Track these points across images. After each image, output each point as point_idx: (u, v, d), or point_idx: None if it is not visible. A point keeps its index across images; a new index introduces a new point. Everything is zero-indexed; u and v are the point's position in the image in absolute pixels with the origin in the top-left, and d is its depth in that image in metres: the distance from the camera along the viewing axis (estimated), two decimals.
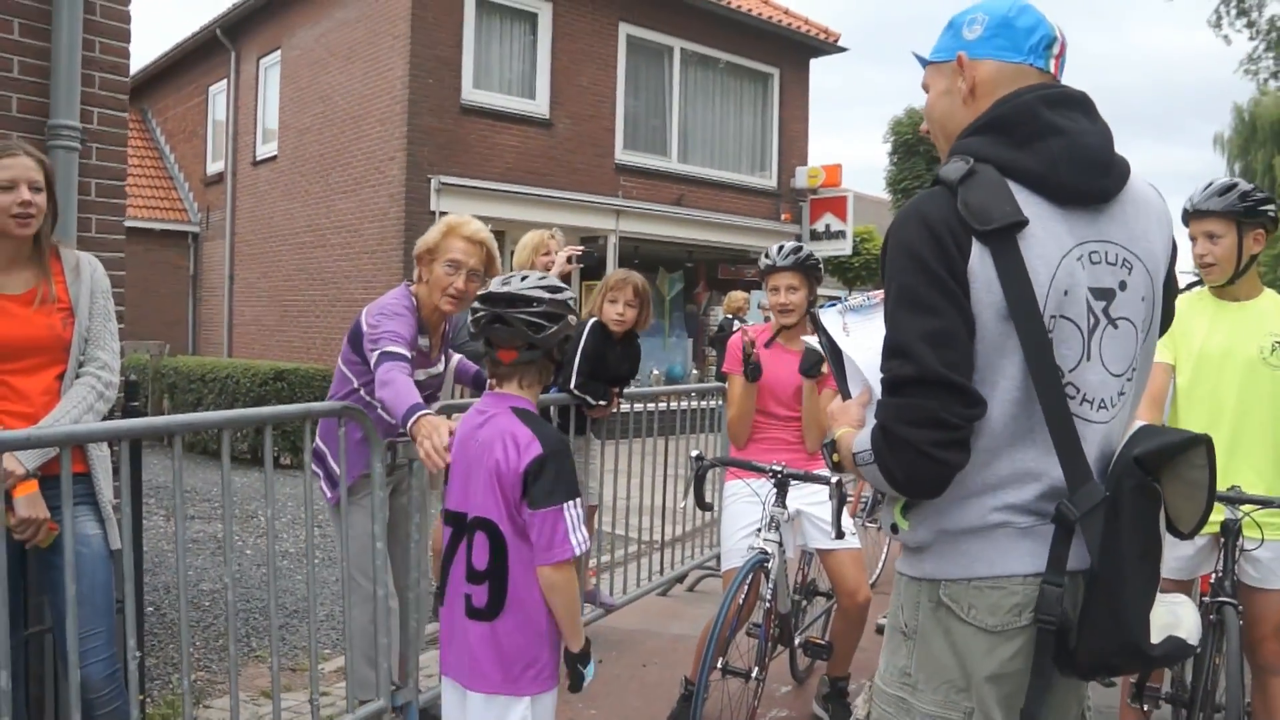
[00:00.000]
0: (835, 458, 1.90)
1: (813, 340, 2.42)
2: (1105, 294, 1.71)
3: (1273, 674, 3.22)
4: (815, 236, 16.82)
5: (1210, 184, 3.26)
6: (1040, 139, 1.70)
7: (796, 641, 4.04)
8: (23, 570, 2.86)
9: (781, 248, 3.89)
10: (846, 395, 1.95)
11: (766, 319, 4.20)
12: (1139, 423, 1.78)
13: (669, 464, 5.65)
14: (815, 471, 3.57)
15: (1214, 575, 3.14)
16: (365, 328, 3.36)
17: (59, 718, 3.16)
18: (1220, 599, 3.07)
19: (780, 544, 3.54)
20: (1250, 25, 22.31)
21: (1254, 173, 29.28)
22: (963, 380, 1.61)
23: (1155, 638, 1.65)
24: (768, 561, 3.48)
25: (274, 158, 15.90)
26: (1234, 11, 22.19)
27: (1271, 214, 3.19)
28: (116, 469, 2.99)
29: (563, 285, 2.50)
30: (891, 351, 1.67)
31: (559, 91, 14.01)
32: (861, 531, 5.07)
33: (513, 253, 5.12)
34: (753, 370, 3.77)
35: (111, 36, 3.76)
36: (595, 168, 14.45)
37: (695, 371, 17.71)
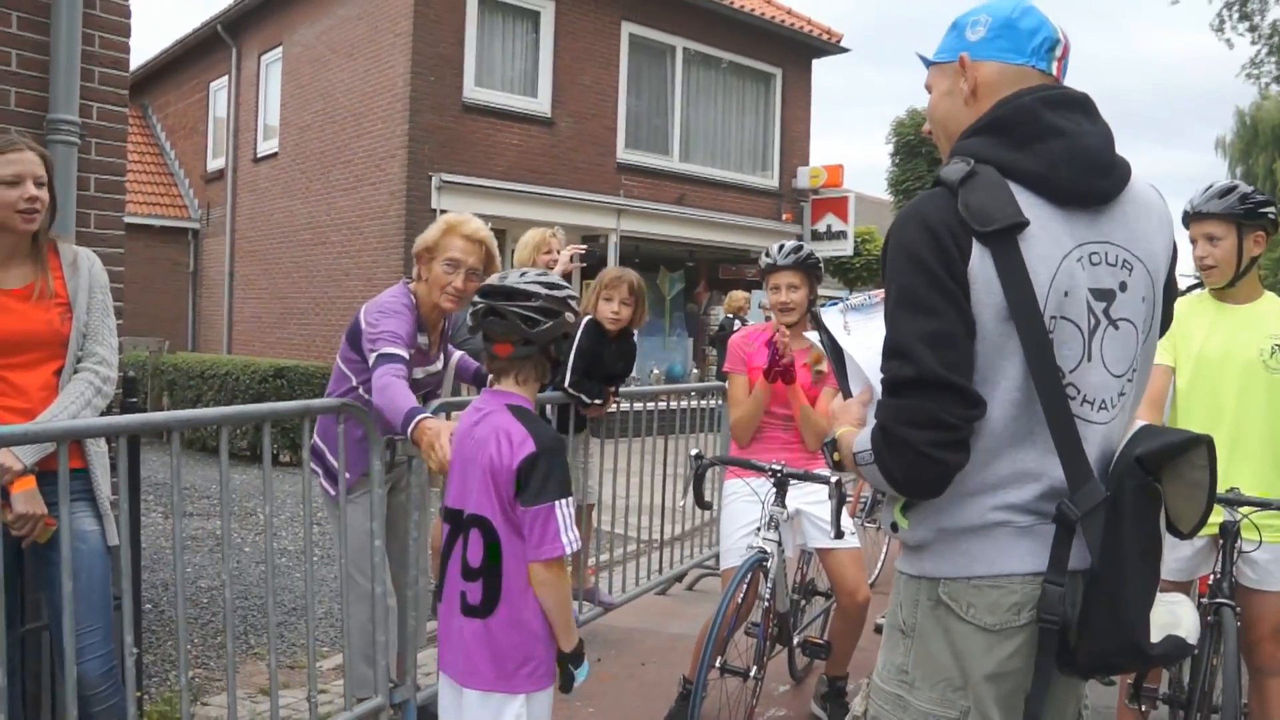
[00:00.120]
0: (836, 457, 1.90)
1: (813, 336, 2.42)
2: (1105, 295, 1.71)
3: (1269, 675, 3.22)
4: (816, 237, 16.82)
5: (1210, 186, 3.26)
6: (1041, 140, 1.70)
7: (795, 641, 4.04)
8: (19, 566, 2.85)
9: (782, 247, 3.89)
10: (848, 394, 1.95)
11: (767, 318, 4.20)
12: (1140, 423, 1.78)
13: (668, 463, 5.65)
14: (815, 471, 3.57)
15: (1212, 577, 3.14)
16: (364, 326, 3.36)
17: (56, 715, 3.15)
18: (1218, 600, 3.07)
19: (779, 543, 3.54)
20: (1252, 29, 22.32)
21: (1255, 176, 29.30)
22: (962, 381, 1.61)
23: (1155, 637, 1.66)
24: (767, 561, 3.47)
25: (275, 155, 15.90)
26: (1236, 15, 22.20)
27: (1272, 216, 3.19)
28: (114, 465, 2.98)
29: (563, 283, 2.49)
30: (891, 352, 1.67)
31: (561, 90, 14.01)
32: (861, 531, 5.07)
33: (513, 251, 5.11)
34: (776, 373, 3.72)
35: (111, 31, 3.75)
36: (597, 167, 14.45)
37: (695, 371, 17.72)
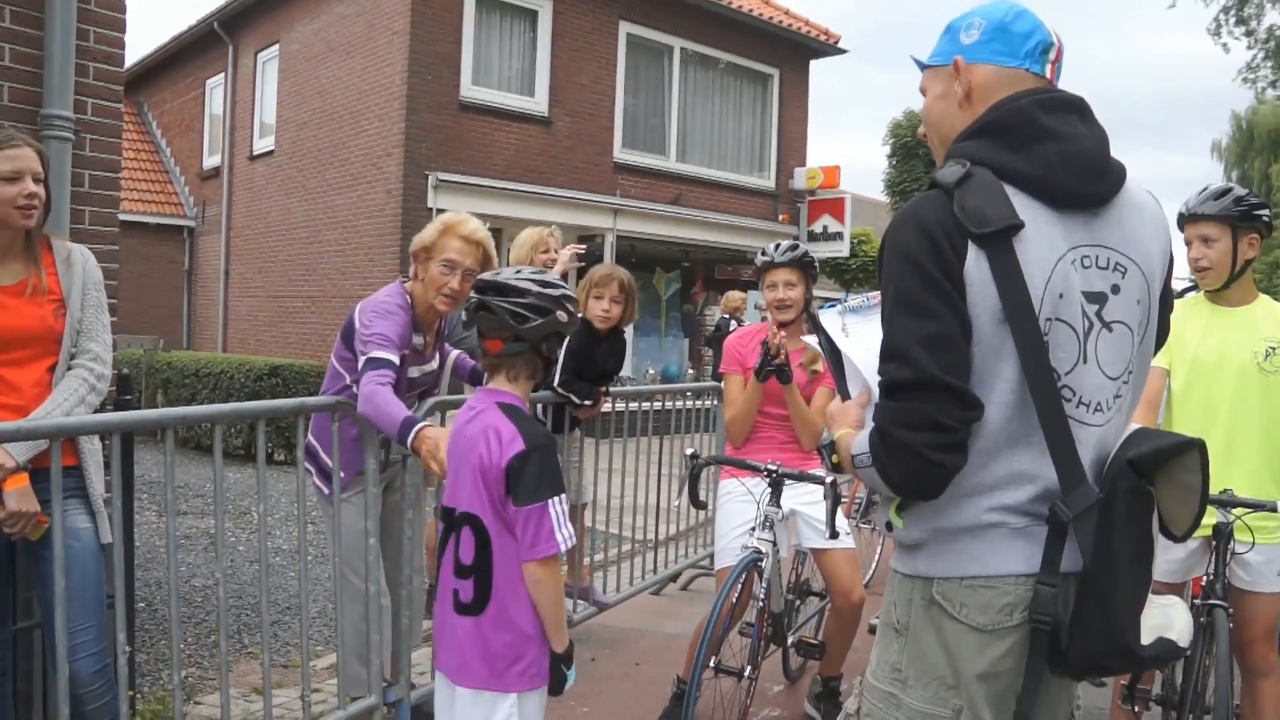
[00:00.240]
0: (835, 459, 1.91)
1: (811, 340, 2.43)
2: (1097, 298, 1.72)
3: (1261, 676, 3.23)
4: (812, 238, 16.82)
5: (1205, 188, 3.27)
6: (1036, 143, 1.70)
7: (789, 641, 4.05)
8: (12, 564, 2.85)
9: (779, 245, 3.89)
10: (846, 396, 1.96)
11: (763, 319, 4.20)
12: (1134, 426, 1.78)
13: (664, 463, 5.65)
14: (810, 471, 3.57)
15: (1205, 578, 3.15)
16: (358, 326, 3.36)
17: (48, 713, 3.15)
18: (1211, 601, 3.08)
19: (774, 543, 3.54)
20: (1249, 34, 22.42)
21: (1251, 180, 29.38)
22: (959, 383, 1.61)
23: (1146, 639, 1.66)
24: (761, 561, 3.47)
25: (271, 152, 15.87)
26: (1233, 20, 22.28)
27: (1266, 219, 3.20)
28: (108, 463, 2.98)
29: (559, 282, 2.49)
30: (888, 355, 1.67)
31: (558, 89, 14.00)
32: (855, 532, 5.07)
33: (509, 250, 5.10)
34: (768, 372, 3.72)
35: (106, 26, 3.74)
36: (593, 166, 14.45)
37: (691, 371, 17.73)
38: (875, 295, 1.91)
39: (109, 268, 3.42)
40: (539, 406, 4.35)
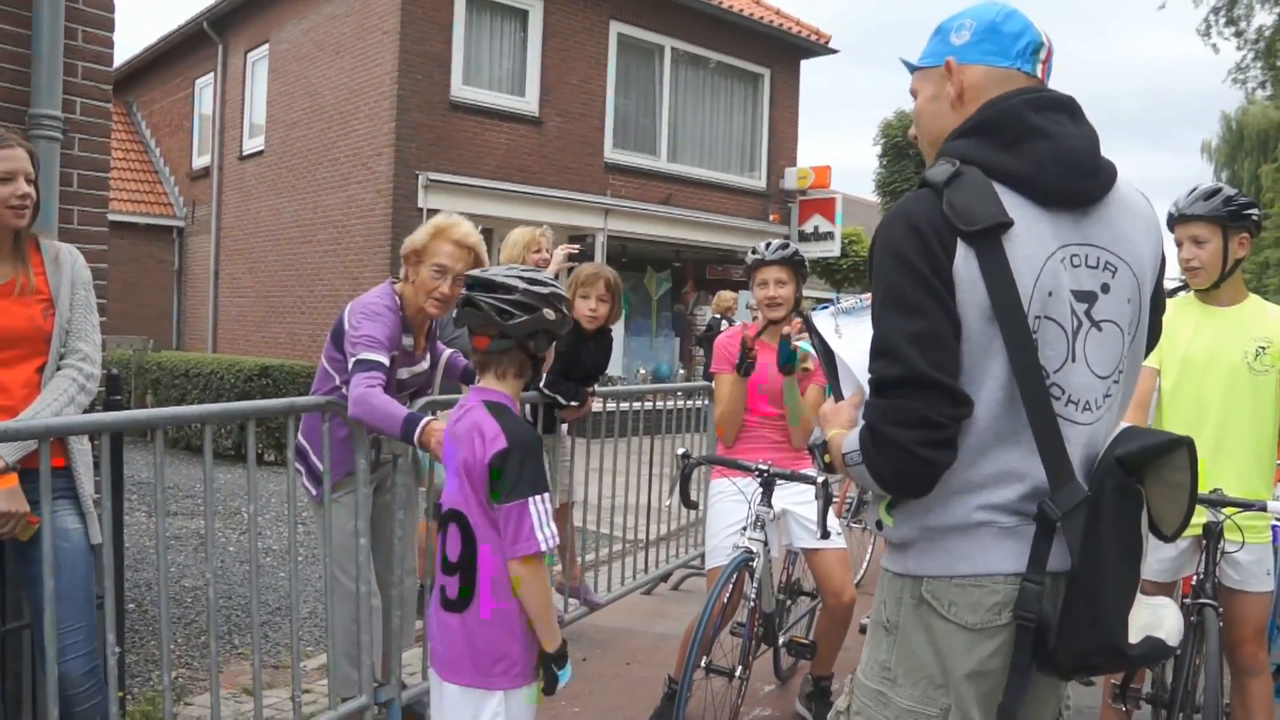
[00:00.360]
0: (827, 459, 1.91)
1: (802, 340, 2.43)
2: (1086, 296, 1.72)
3: (1250, 675, 3.24)
4: (804, 238, 16.84)
5: (1194, 189, 3.28)
6: (1026, 141, 1.71)
7: (780, 641, 4.05)
8: (0, 565, 2.84)
9: (769, 243, 3.90)
10: (839, 397, 1.96)
11: (754, 318, 4.20)
12: (1123, 424, 1.79)
13: (655, 463, 5.65)
14: (801, 471, 3.58)
15: (1195, 577, 3.16)
16: (347, 327, 3.35)
17: (37, 715, 3.13)
18: (1201, 601, 3.09)
19: (765, 543, 3.54)
20: (1239, 34, 22.50)
21: (1240, 180, 29.56)
22: (949, 380, 1.61)
23: (1134, 638, 1.66)
24: (752, 560, 3.48)
25: (261, 152, 15.83)
26: (1223, 20, 22.37)
27: (1255, 218, 3.22)
28: (97, 463, 2.96)
29: (549, 280, 2.48)
30: (878, 352, 1.68)
31: (549, 89, 13.99)
32: (846, 532, 5.08)
33: (499, 250, 5.08)
34: (747, 366, 3.75)
35: (95, 25, 3.72)
36: (584, 166, 14.44)
37: (682, 371, 17.74)
38: (868, 296, 1.91)
39: (98, 268, 3.40)
40: (526, 407, 4.34)
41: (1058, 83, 1.86)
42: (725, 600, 3.46)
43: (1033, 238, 1.67)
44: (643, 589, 5.77)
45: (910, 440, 1.60)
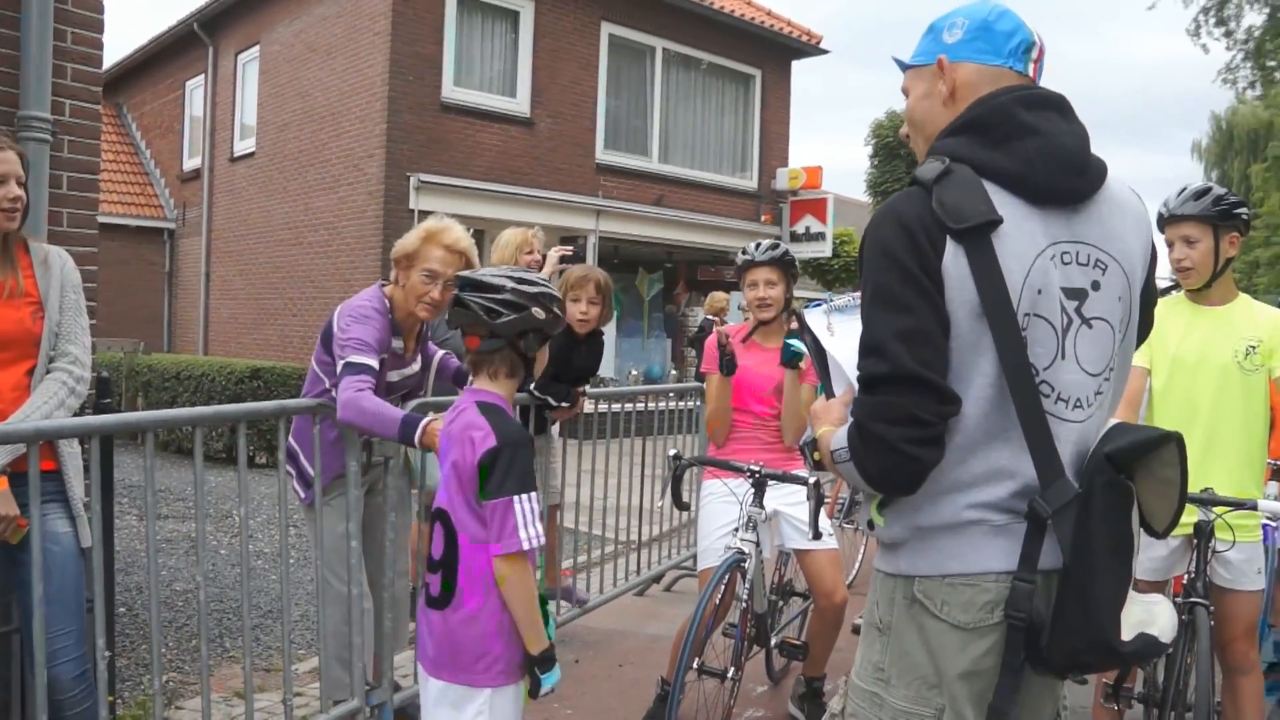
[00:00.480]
0: (816, 456, 1.91)
1: (798, 343, 2.43)
2: (1077, 294, 1.72)
3: (1241, 674, 3.25)
4: (795, 238, 16.87)
5: (1184, 189, 3.29)
6: (1016, 139, 1.71)
7: (773, 642, 4.05)
8: None
9: (759, 244, 3.90)
10: (831, 394, 1.96)
11: (746, 319, 4.20)
12: (1113, 421, 1.79)
13: (647, 464, 5.64)
14: (793, 472, 3.58)
15: (1186, 576, 3.17)
16: (336, 330, 3.34)
17: (26, 719, 3.12)
18: (1192, 599, 3.10)
19: (757, 544, 3.54)
20: (1228, 35, 22.62)
21: (1230, 180, 29.70)
22: (937, 377, 1.61)
23: (1127, 635, 1.66)
24: (744, 561, 3.47)
25: (251, 154, 15.79)
26: (1212, 21, 22.48)
27: (1246, 218, 3.22)
28: (87, 466, 2.95)
29: (540, 281, 2.48)
30: (866, 350, 1.68)
31: (540, 90, 13.98)
32: (838, 532, 5.08)
33: (490, 251, 5.07)
34: (728, 366, 3.76)
35: (84, 26, 3.71)
36: (576, 167, 14.43)
37: (674, 372, 17.74)
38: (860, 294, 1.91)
39: (88, 270, 3.39)
40: (516, 409, 4.32)
41: (1049, 82, 1.86)
42: (717, 601, 3.46)
43: (1022, 235, 1.67)
44: (635, 590, 5.76)
45: (897, 437, 1.60)
